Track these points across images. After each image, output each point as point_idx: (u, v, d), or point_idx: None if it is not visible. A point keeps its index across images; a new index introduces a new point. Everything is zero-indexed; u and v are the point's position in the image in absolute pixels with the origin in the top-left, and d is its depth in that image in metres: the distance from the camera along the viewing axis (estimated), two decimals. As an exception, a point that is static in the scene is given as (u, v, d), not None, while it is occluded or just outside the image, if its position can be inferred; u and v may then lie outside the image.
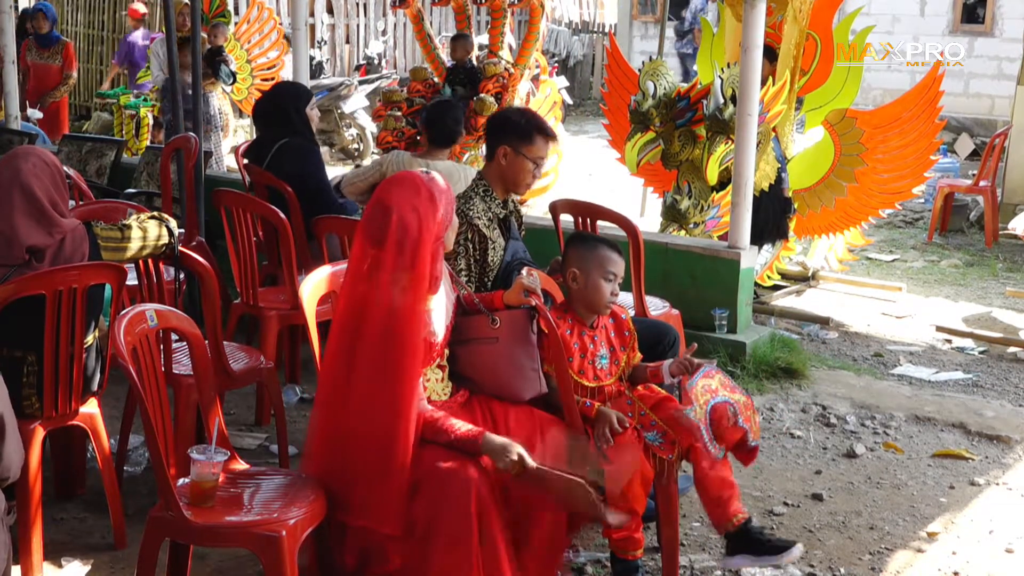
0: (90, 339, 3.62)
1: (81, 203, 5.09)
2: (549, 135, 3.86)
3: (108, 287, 3.68)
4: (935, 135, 6.77)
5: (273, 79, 10.48)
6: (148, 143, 10.34)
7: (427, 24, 9.10)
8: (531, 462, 2.93)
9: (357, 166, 5.91)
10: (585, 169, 11.77)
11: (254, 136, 7.45)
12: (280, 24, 11.05)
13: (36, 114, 9.24)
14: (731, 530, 3.36)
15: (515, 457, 2.92)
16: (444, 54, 8.82)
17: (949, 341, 6.48)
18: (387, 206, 3.01)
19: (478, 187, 3.88)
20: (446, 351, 3.27)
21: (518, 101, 8.57)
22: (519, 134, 3.80)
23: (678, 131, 6.43)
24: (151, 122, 10.85)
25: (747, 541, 3.34)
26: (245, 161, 5.84)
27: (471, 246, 3.74)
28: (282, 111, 5.47)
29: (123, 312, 3.02)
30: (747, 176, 5.55)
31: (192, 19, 6.30)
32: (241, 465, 3.23)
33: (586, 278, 3.43)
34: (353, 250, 3.07)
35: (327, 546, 3.10)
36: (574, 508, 3.03)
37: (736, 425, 3.36)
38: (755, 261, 6.00)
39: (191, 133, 5.98)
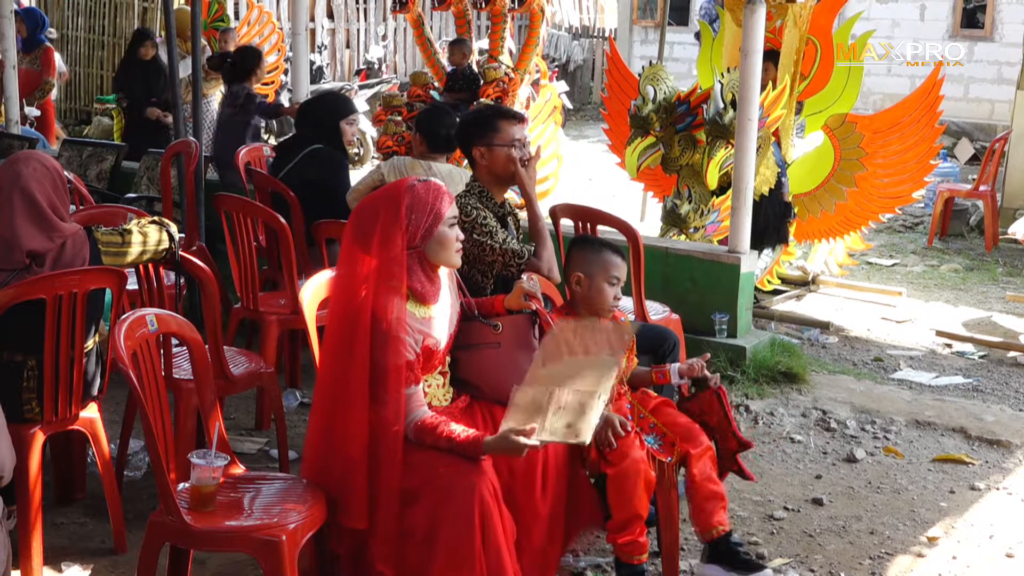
0: (90, 343, 3.62)
1: (81, 207, 5.09)
2: (513, 116, 3.90)
3: (108, 291, 3.68)
4: (935, 140, 6.77)
5: (272, 83, 10.50)
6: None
7: (427, 29, 9.12)
8: (532, 443, 2.89)
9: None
10: (585, 173, 11.78)
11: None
12: (279, 28, 11.07)
13: (34, 112, 9.21)
14: (710, 540, 3.42)
15: (520, 448, 2.89)
16: (444, 59, 8.84)
17: (949, 345, 6.48)
18: (360, 206, 3.11)
19: (473, 188, 3.90)
20: (447, 357, 3.27)
21: (518, 105, 8.58)
22: (483, 128, 3.85)
23: (678, 136, 6.43)
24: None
25: (722, 553, 3.41)
26: (273, 159, 5.86)
27: (491, 235, 3.76)
28: (318, 116, 5.52)
29: (123, 316, 3.03)
30: (747, 180, 5.56)
31: (192, 23, 6.30)
32: (241, 469, 3.23)
33: (590, 282, 3.44)
34: (340, 251, 3.14)
35: (327, 549, 3.11)
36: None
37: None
38: (755, 265, 6.00)
39: (191, 138, 5.99)
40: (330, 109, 5.55)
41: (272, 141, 9.90)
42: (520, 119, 3.94)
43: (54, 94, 9.81)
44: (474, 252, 3.72)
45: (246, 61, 7.67)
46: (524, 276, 3.43)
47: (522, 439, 2.88)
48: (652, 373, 3.56)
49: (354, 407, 2.97)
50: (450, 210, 3.13)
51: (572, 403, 2.97)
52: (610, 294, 3.44)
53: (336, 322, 3.07)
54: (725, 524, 3.41)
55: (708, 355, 3.57)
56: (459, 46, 8.59)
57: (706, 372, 3.49)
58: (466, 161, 8.45)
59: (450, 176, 5.04)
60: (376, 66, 16.06)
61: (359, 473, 2.97)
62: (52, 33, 11.62)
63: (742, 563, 3.40)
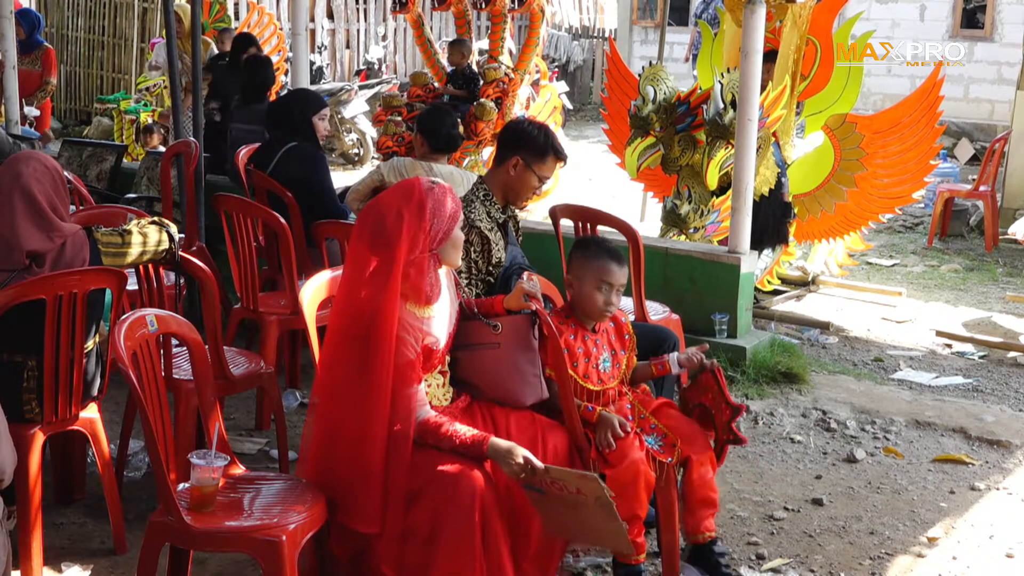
0: (90, 344, 3.62)
1: (81, 208, 5.09)
2: (561, 156, 3.91)
3: (108, 292, 3.68)
4: (935, 140, 6.77)
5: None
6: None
7: (427, 29, 9.12)
8: (538, 463, 2.93)
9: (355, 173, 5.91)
10: (585, 174, 11.78)
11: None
12: (280, 29, 11.07)
13: (33, 111, 9.20)
14: (696, 543, 3.47)
15: (521, 460, 2.92)
16: (444, 59, 8.84)
17: (949, 346, 6.48)
18: (375, 207, 3.09)
19: (478, 191, 3.90)
20: (447, 357, 3.27)
21: (518, 106, 8.59)
22: (535, 150, 3.84)
23: (678, 136, 6.43)
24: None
25: (705, 558, 3.46)
26: (251, 165, 5.84)
27: (473, 249, 3.76)
28: (289, 116, 5.50)
29: (123, 317, 3.03)
30: (747, 181, 5.55)
31: (192, 23, 6.30)
32: (241, 470, 3.23)
33: (580, 286, 3.45)
34: (347, 252, 3.12)
35: (327, 550, 3.11)
36: (587, 505, 3.00)
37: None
38: (755, 266, 6.00)
39: (191, 138, 5.98)
40: (300, 107, 5.52)
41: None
42: (563, 160, 3.96)
43: (32, 110, 9.71)
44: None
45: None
46: (524, 276, 3.43)
47: (527, 452, 2.93)
48: (651, 366, 3.57)
49: (374, 410, 2.96)
50: (460, 212, 3.15)
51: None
52: (598, 299, 3.43)
53: (343, 323, 3.05)
54: (712, 531, 3.47)
55: (707, 345, 3.60)
56: (458, 46, 8.59)
57: (704, 361, 3.50)
58: (467, 160, 8.46)
59: (451, 178, 5.05)
60: (376, 66, 16.05)
61: (375, 477, 2.96)
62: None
63: (722, 574, 3.46)
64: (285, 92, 6.85)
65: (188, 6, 7.62)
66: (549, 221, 5.49)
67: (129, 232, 3.67)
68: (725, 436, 3.44)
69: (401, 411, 2.99)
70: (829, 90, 7.12)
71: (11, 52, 7.74)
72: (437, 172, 5.08)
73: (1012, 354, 6.31)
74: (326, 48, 16.04)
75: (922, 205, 9.79)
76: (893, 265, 8.53)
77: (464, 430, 3.02)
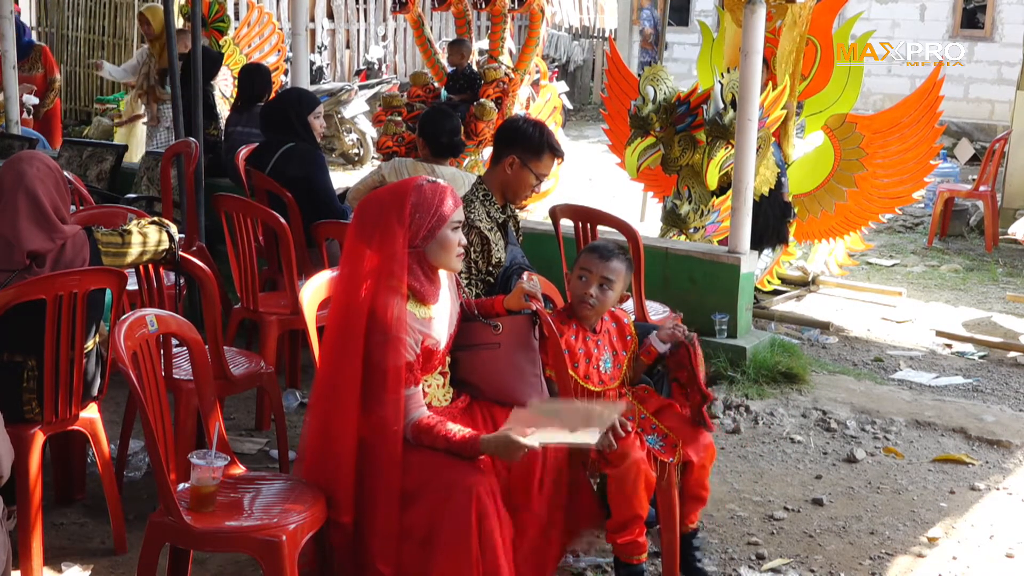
0: (90, 344, 3.62)
1: (82, 208, 5.08)
2: (558, 153, 3.91)
3: (108, 292, 3.68)
4: (935, 140, 6.77)
5: (272, 83, 10.45)
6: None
7: (427, 29, 9.12)
8: (531, 443, 2.92)
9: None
10: (585, 174, 11.79)
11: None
12: (279, 28, 11.06)
13: (32, 100, 9.17)
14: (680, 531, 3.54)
15: (518, 447, 2.91)
16: (444, 59, 8.84)
17: (949, 346, 6.48)
18: (366, 201, 3.11)
19: (477, 191, 3.90)
20: (447, 358, 3.27)
21: (518, 106, 8.58)
22: (530, 148, 3.84)
23: (678, 136, 6.43)
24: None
25: (681, 548, 3.54)
26: (248, 166, 5.84)
27: (473, 249, 3.76)
28: (284, 116, 5.49)
29: (123, 317, 3.03)
30: (747, 181, 5.56)
31: (192, 23, 6.29)
32: (241, 470, 3.23)
33: (571, 274, 3.54)
34: (343, 249, 3.15)
35: (327, 549, 3.11)
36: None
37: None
38: (755, 266, 6.00)
39: (191, 138, 5.98)
40: (296, 107, 5.51)
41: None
42: (560, 157, 3.96)
43: (31, 98, 9.68)
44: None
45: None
46: (524, 276, 3.43)
47: (520, 439, 2.89)
48: (640, 356, 3.58)
49: (344, 403, 2.98)
50: (455, 214, 3.13)
51: (575, 417, 3.01)
52: (578, 287, 3.46)
53: (336, 319, 3.07)
54: (694, 524, 3.58)
55: (681, 315, 3.63)
56: (458, 47, 8.59)
57: (679, 335, 3.51)
58: (467, 160, 8.44)
59: (453, 179, 5.05)
60: (376, 66, 16.06)
61: (346, 467, 2.99)
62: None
63: (693, 569, 3.55)
64: (279, 92, 6.82)
65: (160, 8, 7.57)
66: (549, 221, 5.49)
67: (129, 232, 3.67)
68: (695, 418, 3.47)
69: (395, 412, 2.99)
70: (829, 90, 7.12)
71: (11, 52, 7.74)
72: (439, 173, 5.09)
73: (1012, 354, 6.31)
74: (326, 48, 16.05)
75: (922, 205, 9.80)
76: (893, 265, 8.53)
77: (456, 429, 3.02)
